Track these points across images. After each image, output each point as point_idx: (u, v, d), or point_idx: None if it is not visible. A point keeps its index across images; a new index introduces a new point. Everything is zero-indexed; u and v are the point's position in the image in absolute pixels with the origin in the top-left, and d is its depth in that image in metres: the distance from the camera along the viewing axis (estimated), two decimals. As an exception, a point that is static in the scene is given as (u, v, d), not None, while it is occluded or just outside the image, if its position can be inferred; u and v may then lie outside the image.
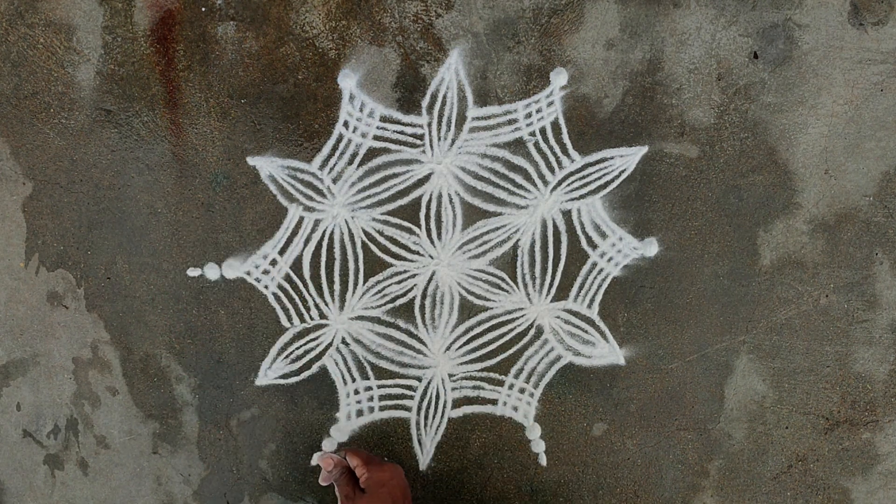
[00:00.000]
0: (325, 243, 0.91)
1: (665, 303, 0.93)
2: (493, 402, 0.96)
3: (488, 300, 0.93)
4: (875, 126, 0.88)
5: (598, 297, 0.93)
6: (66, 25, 0.83)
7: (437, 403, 0.96)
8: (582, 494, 0.99)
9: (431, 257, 0.91)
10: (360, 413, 0.96)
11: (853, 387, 0.97)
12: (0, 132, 0.87)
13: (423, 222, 0.90)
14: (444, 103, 0.86)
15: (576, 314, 0.93)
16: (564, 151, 0.88)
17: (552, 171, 0.89)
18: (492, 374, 0.95)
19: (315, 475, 0.98)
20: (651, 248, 0.91)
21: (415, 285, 0.92)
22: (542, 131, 0.87)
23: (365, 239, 0.90)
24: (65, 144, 0.87)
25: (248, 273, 0.91)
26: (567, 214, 0.90)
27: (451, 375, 0.95)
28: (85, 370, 0.95)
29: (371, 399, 0.95)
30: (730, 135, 0.88)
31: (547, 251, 0.91)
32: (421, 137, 0.87)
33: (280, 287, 0.92)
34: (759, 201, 0.90)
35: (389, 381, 0.95)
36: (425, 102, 0.86)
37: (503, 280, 0.92)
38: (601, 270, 0.92)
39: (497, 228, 0.90)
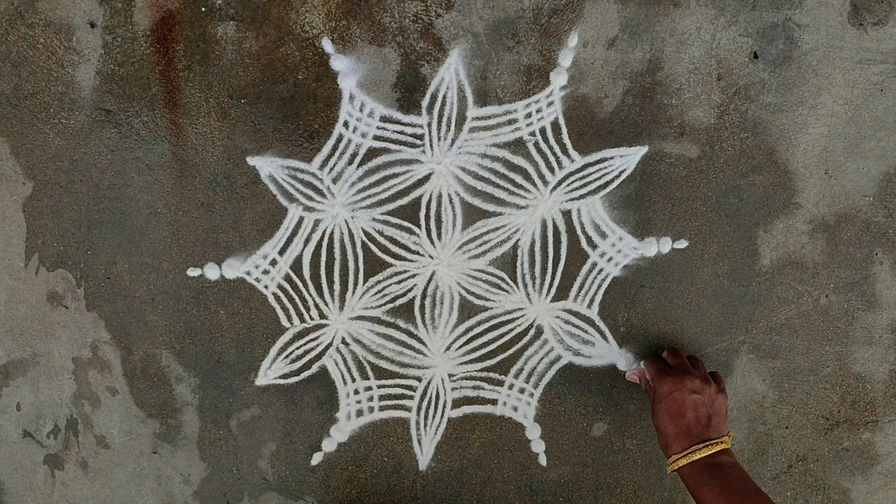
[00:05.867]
0: (325, 243, 0.91)
1: (665, 303, 0.93)
2: (493, 402, 0.96)
3: (488, 300, 0.93)
4: (875, 126, 0.88)
5: (598, 297, 0.93)
6: (66, 25, 0.83)
7: (436, 403, 0.96)
8: (582, 494, 0.99)
9: (431, 257, 0.91)
10: (359, 413, 0.96)
11: (853, 387, 0.97)
12: (0, 132, 0.87)
13: (422, 222, 0.90)
14: (443, 103, 0.86)
15: (576, 314, 0.93)
16: (564, 151, 0.88)
17: (552, 171, 0.89)
18: (492, 374, 0.95)
19: (315, 475, 0.98)
20: (651, 247, 0.91)
21: (415, 285, 0.92)
22: (542, 131, 0.87)
23: (365, 239, 0.90)
24: (65, 144, 0.87)
25: (248, 273, 0.91)
26: (567, 214, 0.90)
27: (450, 375, 0.95)
28: (85, 370, 0.95)
29: (371, 399, 0.95)
30: (730, 135, 0.88)
31: (547, 251, 0.91)
32: (421, 137, 0.87)
33: (280, 287, 0.92)
34: (759, 201, 0.90)
35: (389, 381, 0.95)
36: (425, 102, 0.86)
37: (503, 280, 0.92)
38: (601, 270, 0.92)
39: (497, 228, 0.90)
